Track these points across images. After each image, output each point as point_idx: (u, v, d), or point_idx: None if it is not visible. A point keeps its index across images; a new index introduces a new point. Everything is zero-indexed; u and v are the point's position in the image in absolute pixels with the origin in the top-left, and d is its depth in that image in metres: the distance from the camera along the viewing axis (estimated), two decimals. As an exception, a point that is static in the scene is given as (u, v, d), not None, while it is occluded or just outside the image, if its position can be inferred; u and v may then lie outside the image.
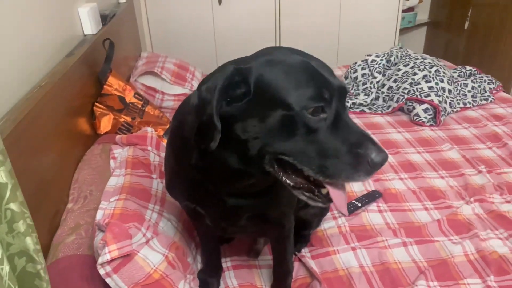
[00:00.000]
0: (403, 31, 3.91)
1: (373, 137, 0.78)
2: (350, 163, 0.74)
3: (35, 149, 1.13)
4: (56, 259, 1.04)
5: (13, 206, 0.61)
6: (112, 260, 0.94)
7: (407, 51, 2.60)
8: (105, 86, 1.68)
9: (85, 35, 1.80)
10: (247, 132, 0.77)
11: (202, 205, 0.99)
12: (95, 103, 1.64)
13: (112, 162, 1.44)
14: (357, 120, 2.23)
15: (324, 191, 0.80)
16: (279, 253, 1.18)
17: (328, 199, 0.80)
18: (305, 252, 1.35)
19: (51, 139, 1.26)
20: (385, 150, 0.76)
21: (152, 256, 1.01)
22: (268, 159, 0.79)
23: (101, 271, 0.94)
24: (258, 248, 1.34)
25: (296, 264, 1.31)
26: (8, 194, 0.60)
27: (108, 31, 1.95)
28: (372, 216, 1.50)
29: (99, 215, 1.09)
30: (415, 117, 2.16)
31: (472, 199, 1.56)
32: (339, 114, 0.77)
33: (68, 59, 1.51)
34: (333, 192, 0.78)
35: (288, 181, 0.81)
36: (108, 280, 0.95)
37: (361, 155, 0.73)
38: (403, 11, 3.68)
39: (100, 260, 0.94)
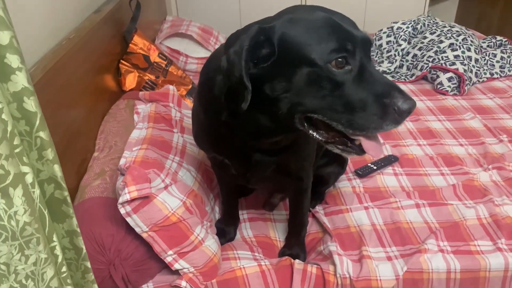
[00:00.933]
0: (434, 1, 3.78)
1: (399, 86, 0.79)
2: (377, 114, 0.75)
3: (62, 99, 1.20)
4: (83, 199, 1.11)
5: (42, 134, 0.66)
6: (132, 201, 1.01)
7: (435, 19, 2.53)
8: (130, 45, 1.72)
9: (112, -6, 1.83)
10: (276, 92, 0.80)
11: (229, 158, 1.04)
12: (121, 60, 1.69)
13: (135, 116, 1.49)
14: (379, 87, 2.21)
15: (357, 142, 0.82)
16: (296, 206, 1.22)
17: (361, 150, 0.81)
18: (319, 209, 1.39)
19: (79, 92, 1.32)
20: (412, 98, 0.77)
21: (170, 200, 1.07)
22: (298, 118, 0.81)
23: (122, 211, 1.01)
24: (274, 201, 1.39)
25: (310, 220, 1.35)
26: (38, 122, 0.65)
27: (135, -9, 1.98)
28: (387, 178, 1.52)
29: (121, 162, 1.15)
30: (439, 86, 2.13)
31: (490, 167, 1.55)
32: (363, 66, 0.78)
33: (96, 15, 1.55)
34: (366, 142, 0.80)
35: (319, 137, 0.83)
36: (128, 219, 1.01)
37: (387, 104, 0.75)
38: (435, -21, 3.55)
39: (120, 200, 1.00)
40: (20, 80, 0.62)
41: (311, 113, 0.79)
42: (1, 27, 0.59)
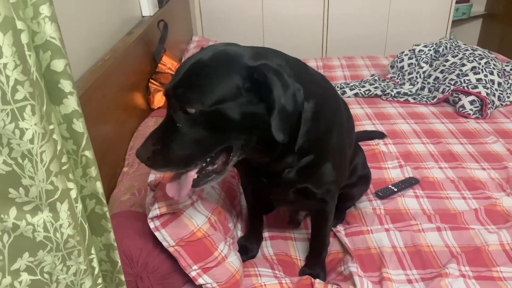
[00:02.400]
0: (456, 22, 3.80)
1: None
2: None
3: (97, 116, 1.26)
4: (113, 213, 1.17)
5: (87, 153, 0.72)
6: (161, 216, 1.05)
7: (457, 42, 2.55)
8: (159, 65, 1.80)
9: (143, 17, 1.93)
10: None
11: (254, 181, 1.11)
12: (150, 79, 1.77)
13: (163, 134, 1.55)
14: (400, 109, 2.23)
15: None
16: (319, 227, 1.24)
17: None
18: (340, 229, 1.41)
19: (111, 110, 1.39)
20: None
21: (197, 216, 1.11)
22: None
23: (151, 225, 1.05)
24: (299, 219, 1.41)
25: (331, 240, 1.37)
26: (84, 142, 0.70)
27: (164, 13, 2.08)
28: (408, 201, 1.53)
29: (151, 178, 1.20)
30: (461, 109, 2.13)
31: (513, 192, 1.55)
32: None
33: (128, 38, 1.64)
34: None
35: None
36: (157, 234, 1.06)
37: None
38: (458, 2, 3.58)
39: (150, 215, 1.05)
40: (71, 104, 0.68)
41: None
42: (58, 55, 0.65)
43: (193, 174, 0.90)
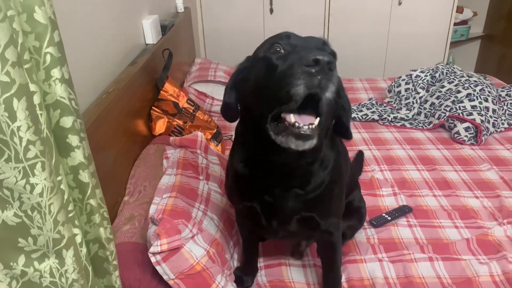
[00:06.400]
0: (455, 44, 3.86)
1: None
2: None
3: (100, 147, 1.31)
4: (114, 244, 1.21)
5: (92, 201, 0.76)
6: (162, 250, 1.09)
7: (453, 68, 2.60)
8: (162, 92, 1.85)
9: (147, 44, 1.99)
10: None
11: (258, 202, 1.09)
12: (152, 107, 1.82)
13: (165, 161, 1.60)
14: (397, 134, 2.28)
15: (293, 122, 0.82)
16: (329, 261, 1.26)
17: (296, 126, 0.81)
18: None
19: (114, 139, 1.44)
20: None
21: (196, 250, 1.16)
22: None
23: (152, 259, 1.10)
24: (301, 250, 1.44)
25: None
26: (89, 191, 0.75)
27: (167, 40, 2.14)
28: (402, 230, 1.57)
29: (152, 209, 1.25)
30: (456, 135, 2.18)
31: (505, 221, 1.58)
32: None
33: (131, 68, 1.69)
34: (297, 117, 0.82)
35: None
36: (158, 268, 1.10)
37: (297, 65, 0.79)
38: (456, 24, 3.64)
39: (151, 250, 1.09)
40: (78, 156, 0.73)
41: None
42: (66, 113, 0.70)
43: None
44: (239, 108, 1.03)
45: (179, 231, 1.13)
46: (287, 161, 0.99)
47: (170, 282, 1.11)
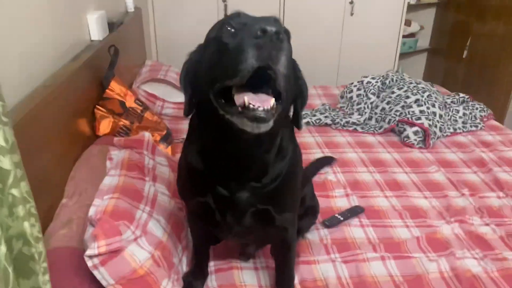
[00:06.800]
0: (404, 56, 4.01)
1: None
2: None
3: (35, 145, 1.20)
4: (47, 249, 1.09)
5: (14, 191, 0.67)
6: (100, 253, 1.00)
7: (403, 75, 2.69)
8: (107, 90, 1.75)
9: (92, 41, 1.88)
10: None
11: (211, 196, 1.03)
12: (96, 106, 1.71)
13: (108, 162, 1.50)
14: (349, 138, 2.30)
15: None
16: (283, 260, 1.23)
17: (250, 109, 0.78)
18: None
19: (52, 137, 1.33)
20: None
21: (139, 253, 1.07)
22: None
23: (89, 263, 1.00)
24: (250, 251, 1.39)
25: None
26: (11, 180, 0.66)
27: (115, 38, 2.04)
28: (354, 230, 1.56)
29: (91, 211, 1.15)
30: (405, 139, 2.23)
31: (452, 219, 1.62)
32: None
33: (73, 63, 1.58)
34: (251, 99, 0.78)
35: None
36: (95, 272, 1.00)
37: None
38: (404, 36, 3.79)
39: (87, 252, 0.99)
40: (-4, 140, 0.64)
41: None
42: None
43: None
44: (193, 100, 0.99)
45: (120, 233, 1.04)
46: (243, 150, 0.94)
47: (110, 289, 1.02)
